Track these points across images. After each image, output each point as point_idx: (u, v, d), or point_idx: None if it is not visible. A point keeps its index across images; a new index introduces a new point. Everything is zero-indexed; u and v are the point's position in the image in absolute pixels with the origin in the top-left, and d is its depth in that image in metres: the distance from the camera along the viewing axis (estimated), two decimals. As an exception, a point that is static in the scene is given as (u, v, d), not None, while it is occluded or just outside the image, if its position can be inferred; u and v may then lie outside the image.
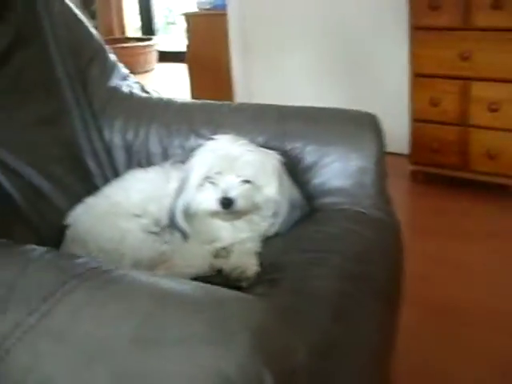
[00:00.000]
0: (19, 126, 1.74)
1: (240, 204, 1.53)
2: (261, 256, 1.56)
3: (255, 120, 1.84)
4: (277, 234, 1.64)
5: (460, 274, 2.70)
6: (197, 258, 1.54)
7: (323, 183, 1.75)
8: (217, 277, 1.52)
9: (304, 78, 4.41)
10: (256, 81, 4.68)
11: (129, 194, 1.70)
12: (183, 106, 1.95)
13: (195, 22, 5.19)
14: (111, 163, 1.92)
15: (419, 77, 3.46)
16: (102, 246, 1.57)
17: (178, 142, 1.88)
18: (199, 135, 1.84)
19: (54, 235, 1.67)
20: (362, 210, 1.71)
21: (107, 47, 2.10)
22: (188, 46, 5.21)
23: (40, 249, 1.00)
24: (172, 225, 1.60)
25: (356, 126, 1.79)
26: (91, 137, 1.90)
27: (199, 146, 1.67)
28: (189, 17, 5.25)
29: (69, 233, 1.65)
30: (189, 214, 1.60)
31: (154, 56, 8.24)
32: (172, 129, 1.89)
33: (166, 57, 8.35)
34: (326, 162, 1.75)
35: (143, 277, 0.94)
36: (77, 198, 1.74)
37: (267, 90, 4.54)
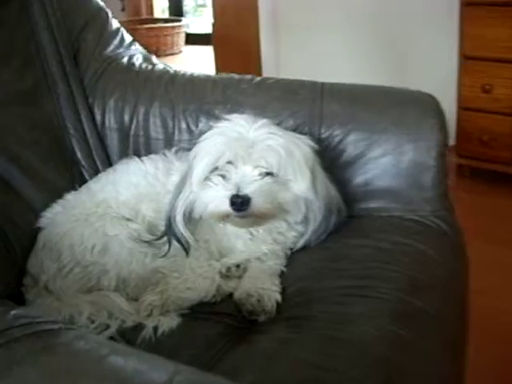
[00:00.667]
0: (-15, 104, 1.39)
1: (257, 204, 1.15)
2: (284, 278, 1.19)
3: (284, 99, 1.46)
4: (305, 247, 1.28)
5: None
6: (201, 278, 1.18)
7: (368, 182, 1.40)
8: (226, 305, 1.16)
9: (340, 60, 4.00)
10: (287, 63, 4.29)
11: (118, 190, 1.33)
12: (193, 80, 1.57)
13: (221, -1, 4.82)
14: (103, 151, 1.56)
15: (469, 59, 3.07)
16: (78, 257, 1.22)
17: (185, 125, 1.52)
18: (212, 117, 1.47)
19: (24, 240, 1.32)
20: (419, 219, 1.35)
21: (109, 13, 1.73)
22: (213, 25, 4.84)
23: None
24: (170, 232, 1.24)
25: (413, 109, 1.41)
26: (79, 118, 1.54)
27: (211, 129, 1.30)
28: (215, -8, 4.87)
29: (40, 238, 1.30)
30: (192, 219, 1.24)
31: (182, 38, 7.91)
32: (178, 108, 1.52)
33: (194, 39, 8.03)
34: (373, 155, 1.39)
35: (87, 349, 0.56)
36: (57, 194, 1.39)
37: (299, 72, 4.14)
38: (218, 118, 1.43)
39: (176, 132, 1.52)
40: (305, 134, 1.31)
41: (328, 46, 4.03)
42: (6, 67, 1.45)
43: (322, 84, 1.46)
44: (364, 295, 1.09)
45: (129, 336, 1.07)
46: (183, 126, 1.51)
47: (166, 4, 8.85)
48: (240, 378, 0.90)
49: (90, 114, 1.56)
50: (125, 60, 1.64)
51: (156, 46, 6.89)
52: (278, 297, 1.13)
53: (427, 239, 1.28)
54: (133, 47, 1.72)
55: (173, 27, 7.80)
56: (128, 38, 1.74)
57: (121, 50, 1.68)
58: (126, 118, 1.55)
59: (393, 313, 1.06)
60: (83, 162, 1.51)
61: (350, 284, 1.13)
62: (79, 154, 1.52)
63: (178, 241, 1.23)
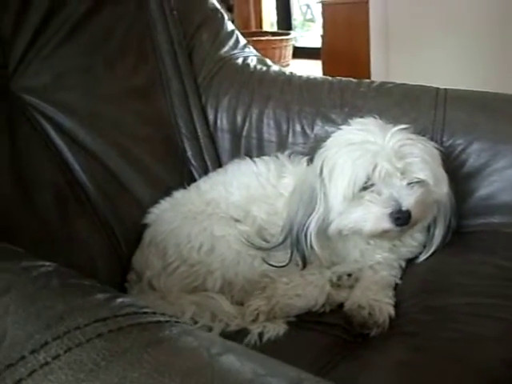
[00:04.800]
0: (101, 98, 1.38)
1: (416, 216, 1.09)
2: (399, 291, 1.12)
3: (404, 104, 1.37)
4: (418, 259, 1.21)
5: None
6: (311, 285, 1.12)
7: (492, 195, 1.29)
8: (335, 315, 1.09)
9: (457, 77, 3.85)
10: (397, 77, 4.16)
11: (228, 190, 1.29)
12: (309, 82, 1.51)
13: (332, 11, 4.75)
14: (214, 151, 1.52)
15: None
16: (184, 255, 1.19)
17: (300, 128, 1.45)
18: (328, 120, 1.40)
19: (130, 236, 1.31)
20: (547, 238, 1.22)
21: (224, 15, 1.70)
22: (323, 37, 4.79)
23: (45, 267, 0.60)
24: (297, 248, 1.15)
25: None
26: (191, 116, 1.51)
27: (327, 134, 1.23)
28: (325, 5, 4.81)
29: (147, 234, 1.27)
30: (324, 235, 1.16)
31: (290, 51, 7.92)
32: (293, 110, 1.47)
33: (302, 53, 8.02)
34: (499, 166, 1.28)
35: (196, 346, 0.50)
36: (165, 192, 1.37)
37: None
38: (334, 122, 1.37)
39: (290, 134, 1.46)
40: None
41: (439, 61, 3.88)
42: (122, 62, 1.43)
43: (446, 90, 1.37)
44: (493, 316, 0.99)
45: (232, 340, 1.01)
46: (298, 128, 1.45)
47: (275, 18, 8.92)
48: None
49: (203, 114, 1.52)
50: (239, 61, 1.61)
51: (264, 57, 6.93)
52: (391, 310, 1.05)
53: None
54: (247, 49, 1.69)
55: (281, 40, 7.83)
56: (242, 40, 1.71)
57: (235, 51, 1.65)
58: (239, 118, 1.51)
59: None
60: (193, 162, 1.48)
61: (474, 302, 1.03)
62: (190, 153, 1.49)
63: (300, 254, 1.15)
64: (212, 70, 1.57)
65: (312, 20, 8.95)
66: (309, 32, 8.91)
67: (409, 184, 1.09)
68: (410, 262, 1.21)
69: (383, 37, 4.20)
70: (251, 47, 1.73)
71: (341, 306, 1.11)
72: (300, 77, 1.54)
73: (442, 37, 3.85)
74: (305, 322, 1.08)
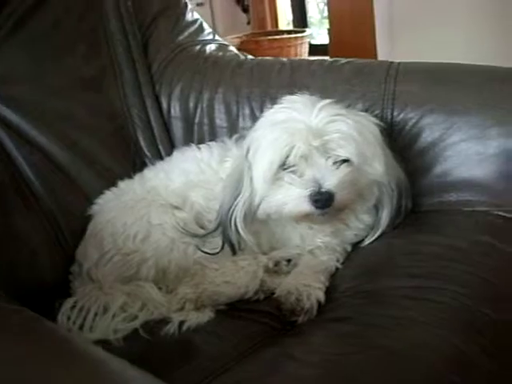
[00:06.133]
0: (50, 90, 1.35)
1: (340, 198, 1.02)
2: (339, 275, 1.06)
3: (354, 80, 1.30)
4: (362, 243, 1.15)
5: None
6: (242, 271, 1.06)
7: (446, 172, 1.22)
8: (268, 303, 1.04)
9: (465, 56, 3.73)
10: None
11: (169, 178, 1.24)
12: (260, 64, 1.45)
13: (337, 3, 4.71)
14: (168, 140, 1.47)
15: None
16: (119, 245, 1.15)
17: (249, 111, 1.40)
18: (276, 101, 1.33)
19: (76, 228, 1.26)
20: (507, 215, 1.14)
21: (188, 4, 1.65)
22: (329, 30, 4.74)
23: None
24: (224, 234, 1.10)
25: (502, 87, 1.21)
26: (144, 106, 1.46)
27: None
28: (330, -3, 4.76)
29: (90, 225, 1.24)
30: (251, 218, 1.11)
31: (306, 49, 7.86)
32: (242, 93, 1.41)
33: (318, 50, 7.95)
34: (453, 140, 1.20)
35: None
36: (114, 182, 1.32)
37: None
38: (282, 103, 1.32)
39: (240, 118, 1.40)
40: (375, 117, 1.16)
41: (446, 41, 3.78)
42: (72, 53, 1.40)
43: (399, 63, 1.30)
44: (431, 300, 0.92)
45: (154, 329, 0.97)
46: (247, 111, 1.39)
47: (291, 17, 8.88)
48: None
49: (156, 103, 1.47)
50: (197, 48, 1.55)
51: (280, 56, 6.87)
52: (321, 295, 0.99)
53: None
54: (209, 37, 1.63)
55: (295, 38, 7.78)
56: (208, 29, 1.65)
57: (195, 38, 1.58)
58: (191, 105, 1.45)
59: (458, 323, 0.89)
60: (146, 152, 1.44)
61: (411, 284, 0.96)
62: (143, 143, 1.44)
63: (228, 242, 1.10)
64: (167, 58, 1.51)
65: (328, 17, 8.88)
66: (325, 30, 8.84)
67: (335, 163, 1.03)
68: (357, 245, 1.15)
69: (388, 23, 4.15)
70: (217, 36, 1.67)
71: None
72: (253, 59, 1.48)
73: (446, 17, 3.75)
74: (235, 310, 1.02)
